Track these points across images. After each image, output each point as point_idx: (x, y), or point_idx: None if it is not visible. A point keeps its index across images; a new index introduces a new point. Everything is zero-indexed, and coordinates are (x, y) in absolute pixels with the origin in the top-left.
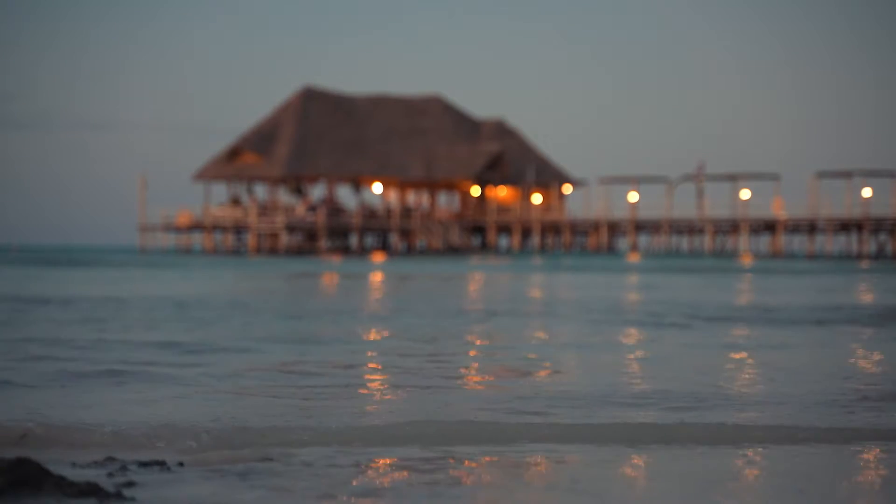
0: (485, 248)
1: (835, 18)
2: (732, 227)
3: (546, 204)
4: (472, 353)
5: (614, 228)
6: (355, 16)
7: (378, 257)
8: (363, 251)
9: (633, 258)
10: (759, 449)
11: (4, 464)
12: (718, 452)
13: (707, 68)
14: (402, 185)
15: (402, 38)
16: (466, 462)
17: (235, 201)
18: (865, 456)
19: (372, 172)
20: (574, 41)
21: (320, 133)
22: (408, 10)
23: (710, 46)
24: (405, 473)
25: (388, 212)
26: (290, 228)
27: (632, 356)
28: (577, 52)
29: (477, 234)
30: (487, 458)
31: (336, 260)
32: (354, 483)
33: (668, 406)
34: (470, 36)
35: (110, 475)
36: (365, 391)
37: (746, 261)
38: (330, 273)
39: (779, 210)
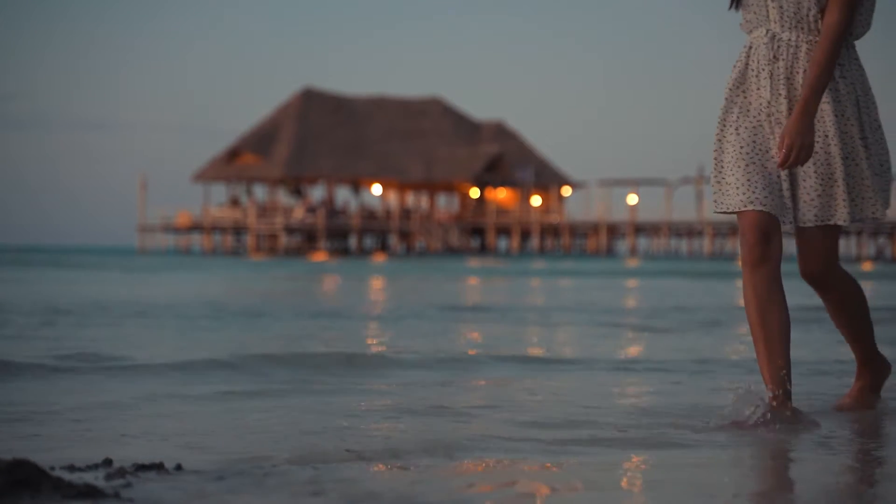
0: (484, 249)
1: None
2: (732, 230)
3: (545, 206)
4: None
5: (613, 231)
6: (355, 17)
7: (377, 259)
8: (362, 252)
9: (632, 263)
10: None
11: (3, 465)
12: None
13: (706, 70)
14: (402, 187)
15: (402, 40)
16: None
17: (235, 202)
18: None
19: (371, 174)
20: (573, 43)
21: (320, 134)
22: (408, 12)
23: (709, 48)
24: (405, 482)
25: (388, 213)
26: (290, 230)
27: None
28: (576, 55)
29: (476, 235)
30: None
31: (335, 261)
32: (359, 492)
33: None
34: (469, 38)
35: (108, 477)
36: (369, 399)
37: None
38: (330, 275)
39: None
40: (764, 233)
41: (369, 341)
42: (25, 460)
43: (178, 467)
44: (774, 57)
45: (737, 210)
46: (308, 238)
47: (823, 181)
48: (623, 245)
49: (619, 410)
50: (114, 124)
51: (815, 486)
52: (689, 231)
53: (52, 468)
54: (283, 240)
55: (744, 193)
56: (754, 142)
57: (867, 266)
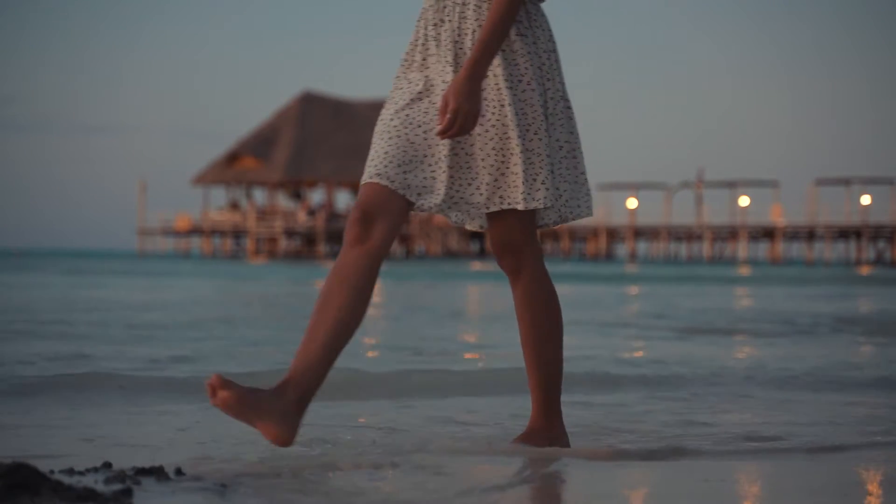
0: (483, 253)
1: (833, 25)
2: (731, 234)
3: None
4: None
5: (613, 235)
6: (355, 21)
7: None
8: None
9: (631, 268)
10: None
11: (2, 468)
12: None
13: (706, 75)
14: None
15: (402, 44)
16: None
17: (234, 205)
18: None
19: None
20: (572, 47)
21: (319, 138)
22: (407, 17)
23: (709, 53)
24: (406, 486)
25: None
26: (289, 233)
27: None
28: (575, 58)
29: (475, 239)
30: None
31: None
32: (359, 499)
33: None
34: None
35: (108, 481)
36: (371, 406)
37: (743, 271)
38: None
39: (777, 217)
40: (367, 211)
41: (370, 354)
42: (24, 464)
43: (179, 472)
44: (440, 20)
45: (362, 182)
46: (307, 241)
47: (500, 159)
48: (622, 249)
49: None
50: (114, 127)
51: None
52: (688, 235)
53: (52, 472)
54: (283, 243)
55: (375, 166)
56: (408, 114)
57: (865, 270)
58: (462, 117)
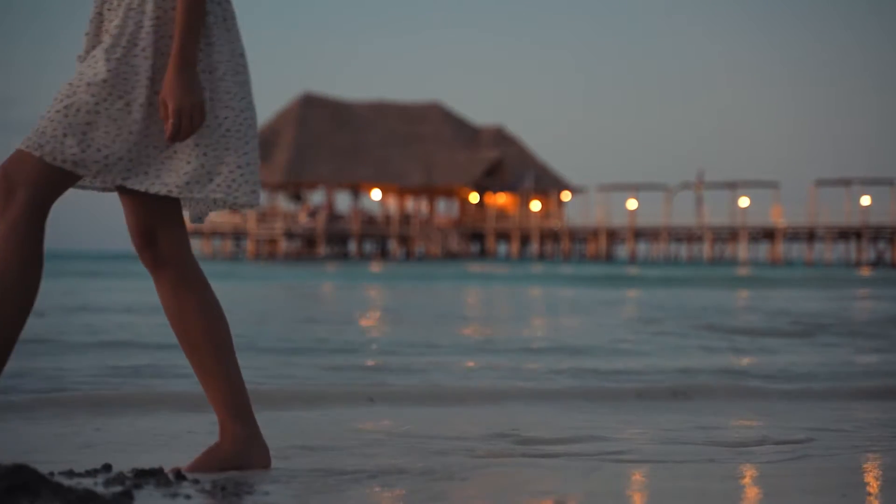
0: (483, 254)
1: (834, 27)
2: (731, 234)
3: (545, 211)
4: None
5: (613, 236)
6: (355, 22)
7: (375, 265)
8: (362, 257)
9: (632, 270)
10: None
11: (2, 470)
12: None
13: (707, 76)
14: (401, 192)
15: (402, 45)
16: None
17: None
18: None
19: (371, 179)
20: (573, 49)
21: (319, 139)
22: (407, 17)
23: (709, 55)
24: (407, 490)
25: (387, 218)
26: (289, 235)
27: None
28: (576, 60)
29: (475, 240)
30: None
31: (335, 268)
32: (358, 501)
33: None
34: (469, 43)
35: (107, 483)
36: (370, 411)
37: (743, 272)
38: (330, 284)
39: (778, 218)
40: (147, 227)
41: (370, 363)
42: (24, 465)
43: (179, 475)
44: None
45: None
46: (308, 243)
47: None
48: (623, 250)
49: None
50: None
51: None
52: (688, 236)
53: (52, 473)
54: (283, 245)
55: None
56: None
57: (866, 271)
58: (188, 116)
